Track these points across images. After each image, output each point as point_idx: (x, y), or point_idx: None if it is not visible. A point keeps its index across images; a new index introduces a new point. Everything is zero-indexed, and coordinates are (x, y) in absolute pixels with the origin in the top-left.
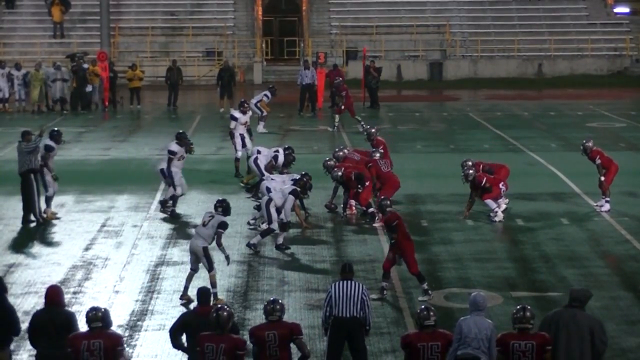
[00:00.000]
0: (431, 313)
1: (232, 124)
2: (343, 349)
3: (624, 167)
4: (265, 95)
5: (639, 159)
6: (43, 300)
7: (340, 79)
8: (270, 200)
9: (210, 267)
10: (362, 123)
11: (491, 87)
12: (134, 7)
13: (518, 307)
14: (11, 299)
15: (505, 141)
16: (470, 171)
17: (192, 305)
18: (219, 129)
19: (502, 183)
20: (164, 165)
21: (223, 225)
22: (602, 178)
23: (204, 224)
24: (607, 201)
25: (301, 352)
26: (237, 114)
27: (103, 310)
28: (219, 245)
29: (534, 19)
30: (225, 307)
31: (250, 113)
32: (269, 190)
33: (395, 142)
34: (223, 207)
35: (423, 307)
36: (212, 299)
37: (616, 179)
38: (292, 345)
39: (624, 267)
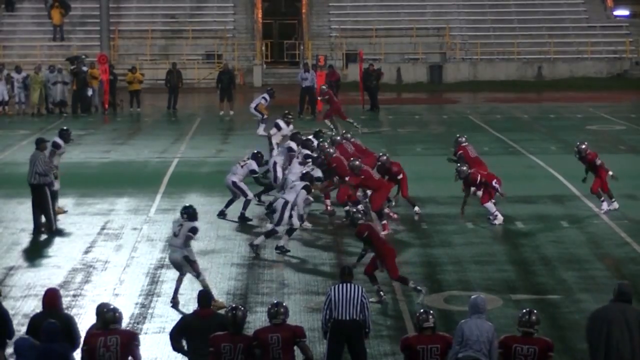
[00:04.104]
0: (430, 315)
1: (273, 131)
2: (343, 351)
3: (623, 170)
4: (264, 97)
5: (639, 162)
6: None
7: (324, 86)
8: (286, 202)
9: (197, 274)
10: (355, 124)
11: (491, 89)
12: (134, 10)
13: (524, 310)
14: (11, 302)
15: (505, 144)
16: (464, 168)
17: (192, 308)
18: (219, 132)
19: (495, 180)
20: (235, 178)
21: (193, 230)
22: (611, 173)
23: (175, 235)
24: (603, 201)
25: (304, 355)
26: (282, 123)
27: (119, 311)
28: (187, 246)
29: (534, 21)
30: (240, 307)
31: (292, 126)
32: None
33: (395, 145)
34: (189, 214)
35: (422, 309)
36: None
37: (616, 181)
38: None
39: (624, 270)
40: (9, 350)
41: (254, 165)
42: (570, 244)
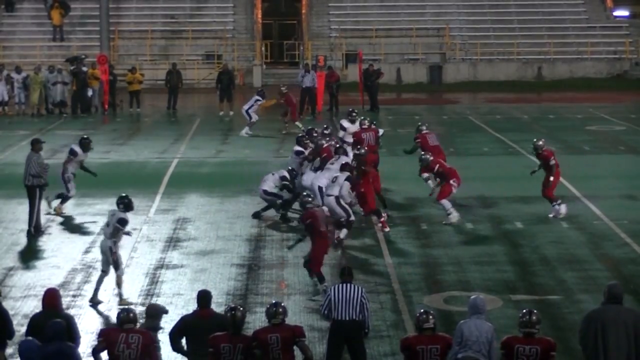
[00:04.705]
0: (430, 316)
1: (341, 133)
2: (342, 352)
3: (623, 171)
4: (257, 100)
5: (638, 162)
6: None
7: (284, 87)
8: (337, 197)
9: (116, 267)
10: (302, 127)
11: (491, 90)
12: (134, 10)
13: (524, 311)
14: (10, 302)
15: (505, 144)
16: (427, 156)
17: (192, 308)
18: (219, 132)
19: (453, 180)
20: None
21: (122, 222)
22: (552, 178)
23: (107, 224)
24: (558, 204)
25: (304, 355)
26: (346, 123)
27: (134, 311)
28: (113, 237)
29: (534, 22)
30: (239, 307)
31: (358, 123)
32: (320, 189)
33: (395, 145)
34: (124, 204)
35: (422, 310)
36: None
37: (616, 182)
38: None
39: (623, 270)
40: (9, 350)
41: (284, 172)
42: (570, 245)
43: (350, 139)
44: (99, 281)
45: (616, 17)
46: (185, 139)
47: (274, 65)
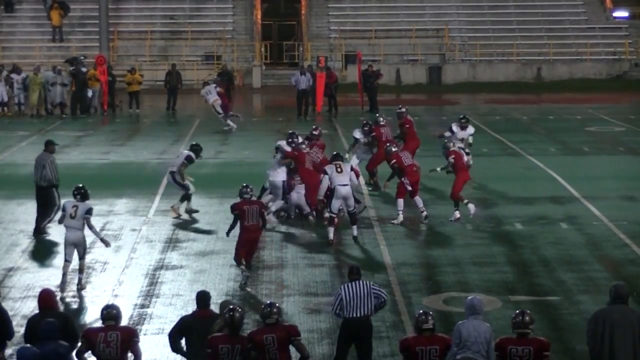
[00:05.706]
0: (429, 317)
1: (447, 134)
2: (349, 349)
3: (622, 172)
4: (215, 87)
5: (638, 163)
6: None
7: (218, 77)
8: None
9: (84, 256)
10: (231, 125)
11: (490, 91)
12: (133, 11)
13: (517, 312)
14: (9, 303)
15: (504, 145)
16: (393, 148)
17: (191, 309)
18: (218, 133)
19: (405, 178)
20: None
21: (90, 212)
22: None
23: (71, 217)
24: (456, 209)
25: (300, 354)
26: (455, 127)
27: (117, 307)
28: (91, 228)
29: (533, 23)
30: (238, 308)
31: (469, 128)
32: (283, 183)
33: None
34: (81, 194)
35: (421, 311)
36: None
37: (616, 182)
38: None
39: (623, 271)
40: (9, 351)
41: (278, 156)
42: (569, 245)
43: (458, 144)
44: (65, 274)
45: (615, 18)
46: (184, 139)
47: (273, 66)
